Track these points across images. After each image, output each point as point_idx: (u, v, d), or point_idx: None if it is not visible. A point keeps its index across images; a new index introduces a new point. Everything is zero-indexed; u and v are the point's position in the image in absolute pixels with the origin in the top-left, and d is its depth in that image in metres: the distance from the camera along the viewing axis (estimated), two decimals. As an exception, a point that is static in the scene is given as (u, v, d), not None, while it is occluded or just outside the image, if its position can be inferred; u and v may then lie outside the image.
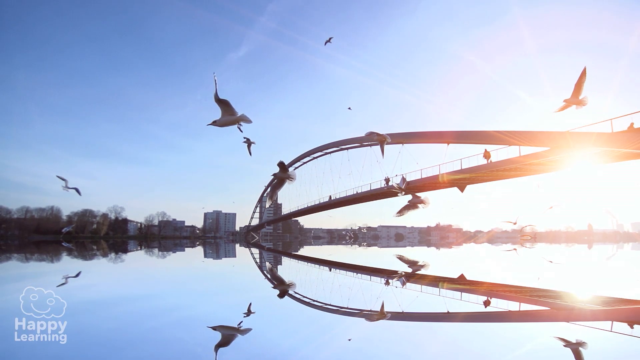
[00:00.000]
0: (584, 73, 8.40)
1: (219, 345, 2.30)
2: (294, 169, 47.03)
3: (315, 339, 2.53)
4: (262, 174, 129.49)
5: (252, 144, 7.49)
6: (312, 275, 7.06)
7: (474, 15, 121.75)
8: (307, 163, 43.21)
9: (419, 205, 8.36)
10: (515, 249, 18.12)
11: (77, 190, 13.54)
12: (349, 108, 52.73)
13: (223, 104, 4.38)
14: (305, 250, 18.80)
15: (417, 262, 5.70)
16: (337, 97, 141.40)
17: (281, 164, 5.49)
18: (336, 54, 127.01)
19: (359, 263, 10.39)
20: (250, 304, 3.58)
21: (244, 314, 3.17)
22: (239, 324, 2.81)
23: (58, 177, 12.82)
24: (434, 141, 21.02)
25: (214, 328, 2.67)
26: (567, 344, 2.30)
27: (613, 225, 72.41)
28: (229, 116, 4.45)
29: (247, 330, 2.66)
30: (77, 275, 6.30)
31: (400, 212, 8.50)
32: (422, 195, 8.62)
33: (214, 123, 4.44)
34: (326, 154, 37.25)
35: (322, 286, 5.27)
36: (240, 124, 4.66)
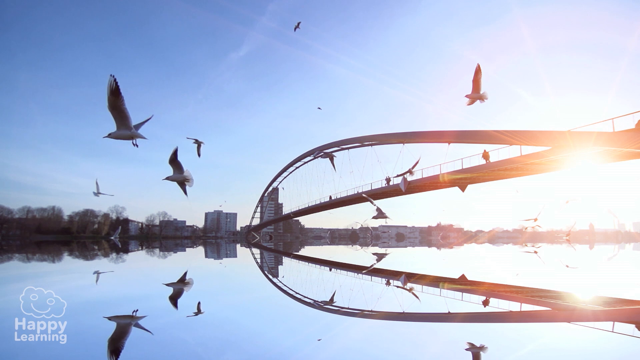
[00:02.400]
0: (478, 70, 8.70)
1: (116, 336, 2.52)
2: (295, 169, 47.13)
3: (315, 339, 2.52)
4: (262, 174, 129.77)
5: (202, 144, 7.97)
6: (311, 275, 7.06)
7: (475, 14, 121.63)
8: (308, 163, 43.24)
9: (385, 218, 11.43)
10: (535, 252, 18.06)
11: (96, 194, 14.08)
12: (319, 108, 55.92)
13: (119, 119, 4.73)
14: (305, 251, 18.80)
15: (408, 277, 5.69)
16: (337, 97, 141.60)
17: (173, 162, 5.62)
18: (336, 54, 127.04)
19: (358, 264, 10.38)
20: (199, 302, 3.62)
21: (193, 313, 3.19)
22: (134, 311, 3.07)
23: (94, 193, 13.64)
24: (435, 141, 20.98)
25: (110, 318, 2.87)
26: (470, 347, 2.32)
27: (614, 225, 72.31)
28: (124, 130, 4.82)
29: (141, 317, 2.93)
30: (100, 271, 6.86)
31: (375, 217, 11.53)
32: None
33: (109, 135, 4.81)
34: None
35: (322, 286, 5.27)
36: (135, 140, 5.07)
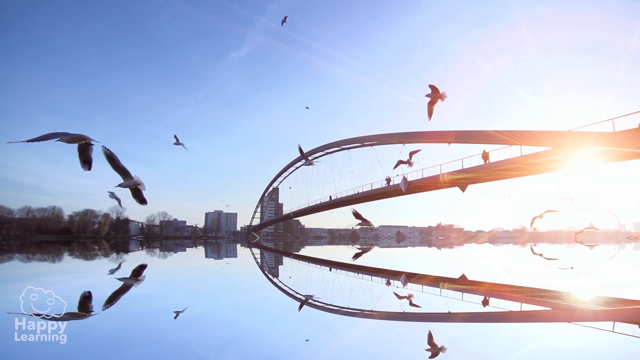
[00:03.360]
0: (434, 88, 9.78)
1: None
2: (296, 169, 47.18)
3: (315, 339, 2.52)
4: (262, 174, 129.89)
5: (182, 145, 8.46)
6: (311, 274, 7.05)
7: (475, 14, 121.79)
8: (308, 163, 43.17)
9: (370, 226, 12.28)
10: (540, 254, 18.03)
11: (117, 199, 14.15)
12: (307, 107, 56.94)
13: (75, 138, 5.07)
14: (305, 251, 18.79)
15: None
16: (337, 97, 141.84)
17: (117, 168, 5.52)
18: (336, 54, 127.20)
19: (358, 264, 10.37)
20: (186, 308, 3.49)
21: (174, 312, 3.21)
22: (90, 310, 3.26)
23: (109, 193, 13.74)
24: (435, 141, 20.95)
25: (62, 315, 2.95)
26: (431, 347, 2.32)
27: (615, 225, 72.19)
28: (76, 135, 5.01)
29: (95, 313, 3.07)
30: (118, 267, 7.43)
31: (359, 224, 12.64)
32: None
33: (61, 139, 5.03)
34: (327, 153, 37.19)
35: (322, 286, 5.27)
36: (87, 142, 5.31)
